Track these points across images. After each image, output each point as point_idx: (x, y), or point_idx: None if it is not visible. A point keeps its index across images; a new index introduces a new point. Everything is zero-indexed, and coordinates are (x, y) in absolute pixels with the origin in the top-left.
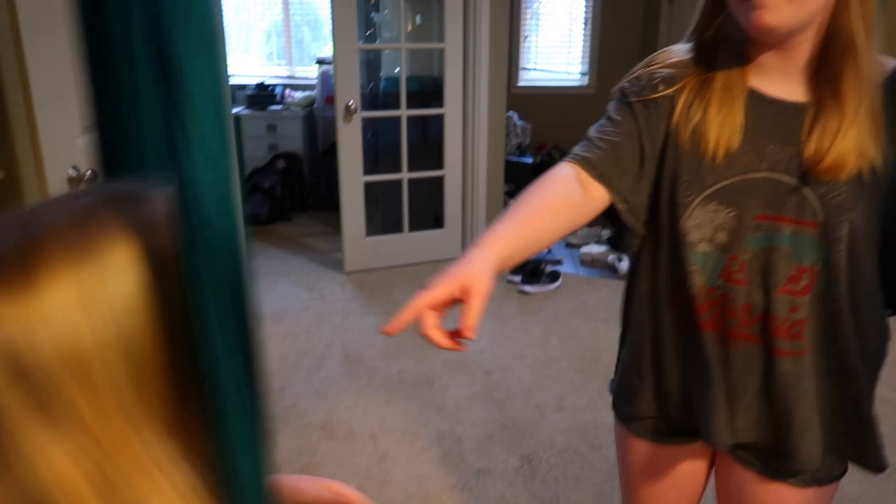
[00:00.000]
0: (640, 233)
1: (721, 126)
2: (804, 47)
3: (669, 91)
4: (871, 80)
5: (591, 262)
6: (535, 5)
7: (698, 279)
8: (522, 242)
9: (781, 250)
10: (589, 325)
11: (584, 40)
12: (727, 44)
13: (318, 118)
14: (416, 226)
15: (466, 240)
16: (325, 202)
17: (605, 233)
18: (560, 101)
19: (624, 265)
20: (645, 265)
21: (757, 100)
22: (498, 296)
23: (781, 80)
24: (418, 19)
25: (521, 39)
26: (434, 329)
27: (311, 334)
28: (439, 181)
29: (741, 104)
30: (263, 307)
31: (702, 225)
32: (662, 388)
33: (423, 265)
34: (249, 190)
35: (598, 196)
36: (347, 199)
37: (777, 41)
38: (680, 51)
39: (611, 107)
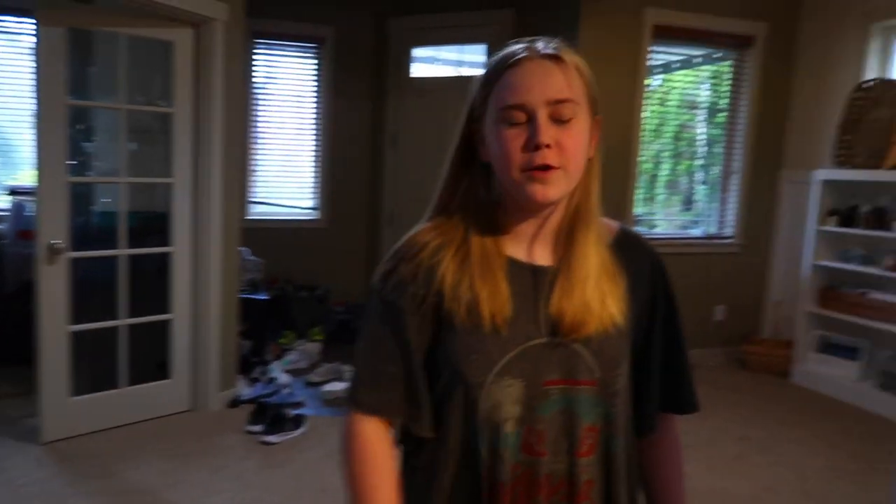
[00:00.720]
0: (429, 433)
1: (491, 299)
2: (556, 215)
3: (426, 279)
4: (602, 241)
5: (334, 401)
6: (263, 139)
7: (498, 458)
8: None
9: (572, 413)
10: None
11: (315, 174)
12: (476, 216)
13: (6, 255)
14: (136, 378)
15: (198, 389)
16: (14, 356)
17: (346, 369)
18: (291, 234)
19: None
20: (429, 453)
21: (516, 267)
22: (236, 451)
23: (533, 246)
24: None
25: (249, 172)
26: None
27: None
28: (164, 326)
29: (503, 273)
30: None
31: (500, 403)
32: None
33: (147, 423)
34: None
35: (393, 427)
36: (48, 353)
37: (540, 210)
38: (428, 233)
39: (371, 313)
